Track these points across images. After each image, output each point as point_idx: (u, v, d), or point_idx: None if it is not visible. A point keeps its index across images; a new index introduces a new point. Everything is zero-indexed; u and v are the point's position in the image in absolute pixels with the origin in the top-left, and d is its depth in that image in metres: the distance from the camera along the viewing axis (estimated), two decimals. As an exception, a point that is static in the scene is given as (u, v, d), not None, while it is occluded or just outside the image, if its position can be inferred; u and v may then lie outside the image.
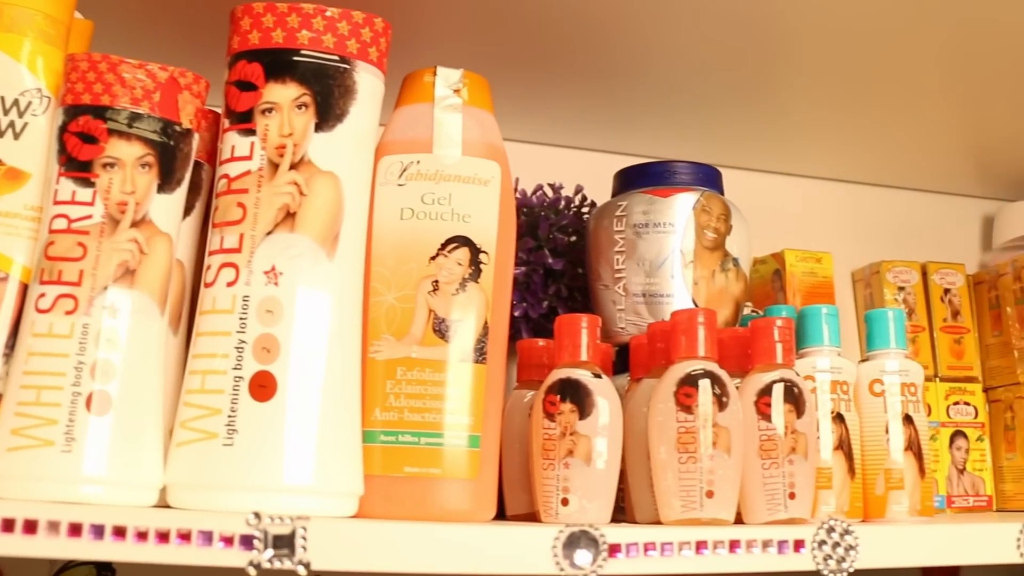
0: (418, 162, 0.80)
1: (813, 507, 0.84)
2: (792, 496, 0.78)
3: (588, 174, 1.14)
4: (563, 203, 1.07)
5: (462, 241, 0.78)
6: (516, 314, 1.03)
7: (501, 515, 0.83)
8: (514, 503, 0.89)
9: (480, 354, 0.77)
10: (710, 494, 0.75)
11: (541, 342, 0.91)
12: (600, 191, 1.05)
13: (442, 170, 0.79)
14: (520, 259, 1.03)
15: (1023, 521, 0.79)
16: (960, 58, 1.06)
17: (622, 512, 0.83)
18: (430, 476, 0.74)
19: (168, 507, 0.68)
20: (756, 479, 0.78)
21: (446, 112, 0.81)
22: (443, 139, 0.80)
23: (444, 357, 0.76)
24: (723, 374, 0.77)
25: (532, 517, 0.82)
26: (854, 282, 1.34)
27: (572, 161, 1.24)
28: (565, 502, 0.76)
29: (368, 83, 0.78)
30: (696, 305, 0.93)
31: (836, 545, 0.71)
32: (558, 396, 0.78)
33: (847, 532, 0.72)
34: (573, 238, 1.06)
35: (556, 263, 1.03)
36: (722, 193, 0.99)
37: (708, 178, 0.97)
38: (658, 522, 0.77)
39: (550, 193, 1.09)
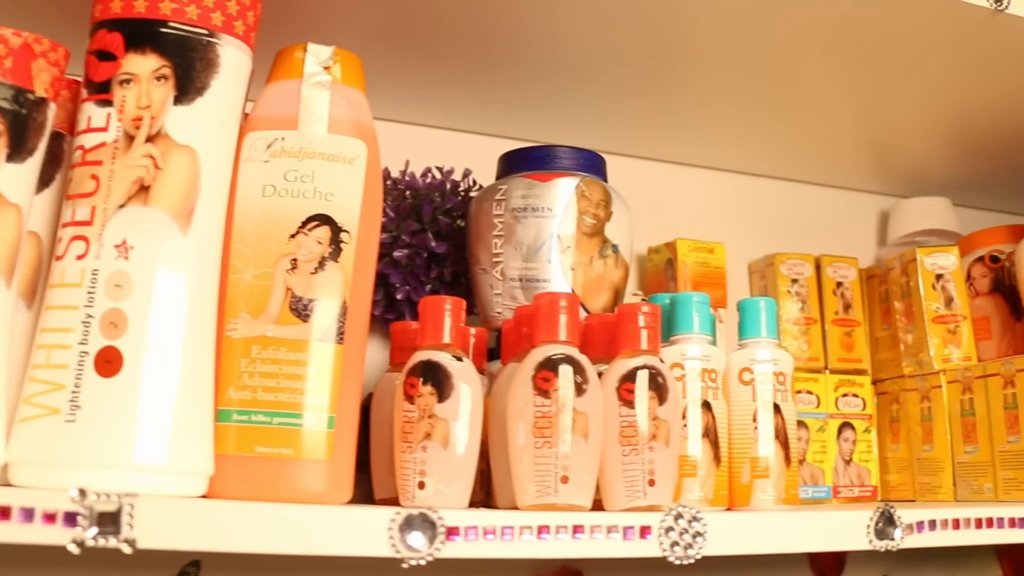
0: (283, 139, 0.78)
1: (676, 495, 0.84)
2: (652, 483, 0.78)
3: (488, 160, 1.13)
4: (449, 186, 1.06)
5: (323, 220, 0.77)
6: (399, 297, 1.02)
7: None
8: (382, 487, 0.88)
9: (338, 334, 0.76)
10: (565, 479, 0.75)
11: (414, 325, 0.90)
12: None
13: (307, 147, 0.78)
14: (403, 242, 1.02)
15: (873, 509, 0.79)
16: (856, 56, 1.06)
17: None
18: (282, 456, 0.73)
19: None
20: (616, 465, 0.78)
21: (314, 89, 0.80)
22: (309, 116, 0.79)
23: (300, 336, 0.75)
24: (583, 359, 0.77)
25: (397, 501, 0.82)
26: (750, 273, 1.34)
27: (473, 147, 1.23)
28: (422, 485, 0.75)
29: (233, 57, 0.76)
30: (573, 291, 0.92)
31: (684, 532, 0.71)
32: (419, 379, 0.77)
33: (695, 519, 0.72)
34: (460, 222, 1.05)
35: (439, 246, 1.02)
36: (605, 179, 0.98)
37: (590, 164, 0.97)
38: (516, 507, 0.77)
39: (439, 176, 1.08)
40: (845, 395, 1.25)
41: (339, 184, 0.78)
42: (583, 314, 0.92)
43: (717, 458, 0.87)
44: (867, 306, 1.31)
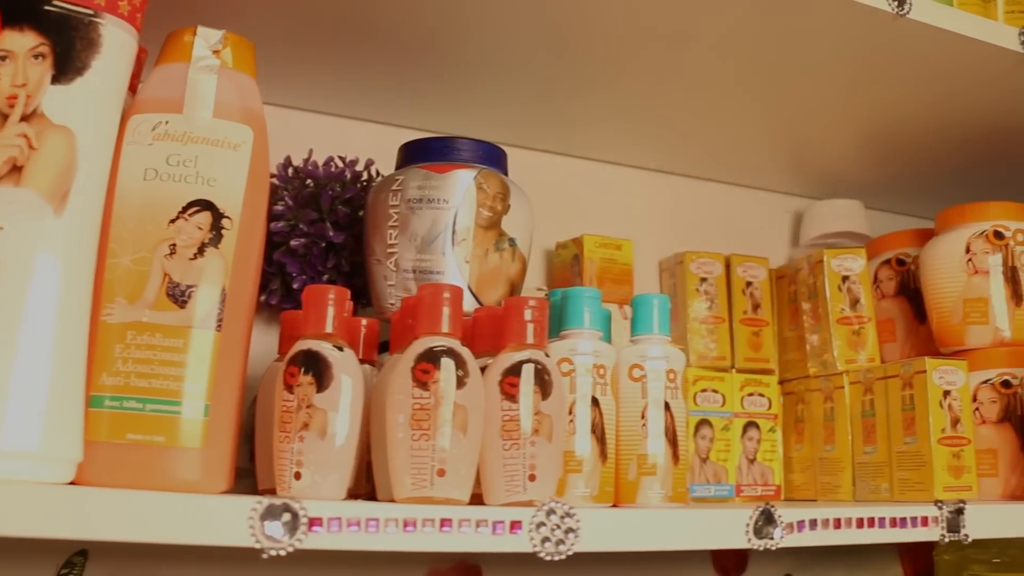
0: (167, 122, 0.77)
1: (560, 490, 0.84)
2: (532, 478, 0.77)
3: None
4: (350, 176, 1.05)
5: (204, 205, 0.76)
6: (296, 287, 1.01)
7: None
8: (265, 477, 0.87)
9: (216, 321, 0.75)
10: (441, 472, 0.74)
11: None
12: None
13: (191, 132, 0.77)
14: (301, 231, 1.01)
15: (754, 508, 0.80)
16: (764, 58, 1.07)
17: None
18: (153, 444, 0.72)
19: None
20: (496, 459, 0.78)
21: (201, 73, 0.79)
22: (195, 100, 0.78)
23: (176, 322, 0.74)
24: (464, 351, 0.77)
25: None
26: (661, 271, 1.34)
27: (383, 137, 1.21)
28: (298, 476, 0.74)
29: (116, 37, 0.75)
30: (467, 284, 0.92)
31: (556, 528, 0.71)
32: (299, 368, 0.76)
33: (568, 515, 0.72)
34: (361, 212, 1.04)
35: (337, 236, 1.01)
36: (505, 172, 0.98)
37: (488, 156, 0.96)
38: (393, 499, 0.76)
39: (341, 165, 1.07)
40: (751, 394, 1.25)
41: (222, 170, 0.77)
42: (474, 306, 0.91)
43: (604, 454, 0.87)
44: (776, 306, 1.32)
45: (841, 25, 1.00)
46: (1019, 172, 1.40)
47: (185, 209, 0.76)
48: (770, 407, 1.26)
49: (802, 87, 1.15)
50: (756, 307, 1.30)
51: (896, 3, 0.96)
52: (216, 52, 0.80)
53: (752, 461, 1.24)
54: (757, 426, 1.25)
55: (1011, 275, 1.14)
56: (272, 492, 0.82)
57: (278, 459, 0.76)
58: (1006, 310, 1.14)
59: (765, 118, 1.24)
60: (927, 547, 1.42)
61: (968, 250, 1.16)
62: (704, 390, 1.22)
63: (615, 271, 1.21)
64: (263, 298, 1.04)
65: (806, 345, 1.26)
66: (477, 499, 0.77)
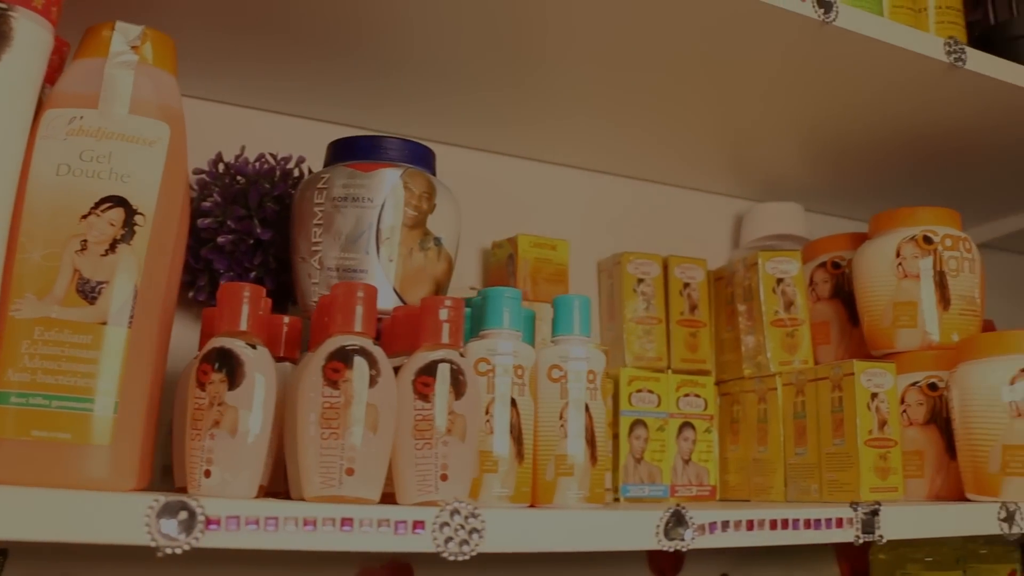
0: (81, 117, 0.77)
1: (475, 490, 0.84)
2: (444, 478, 0.77)
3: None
4: (279, 173, 1.05)
5: (117, 201, 0.76)
6: (223, 283, 1.01)
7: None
8: (180, 475, 0.87)
9: (127, 318, 0.74)
10: (350, 471, 0.74)
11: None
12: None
13: (106, 127, 0.77)
14: (229, 228, 1.01)
15: (664, 509, 0.80)
16: (702, 61, 1.08)
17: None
18: (59, 441, 0.72)
19: None
20: (408, 459, 0.78)
21: (118, 68, 0.79)
22: (110, 96, 0.78)
23: (85, 319, 0.73)
24: (376, 350, 0.77)
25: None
26: (599, 272, 1.35)
27: (319, 135, 1.20)
28: (208, 474, 0.74)
29: (29, 31, 0.75)
30: (391, 283, 0.92)
31: (460, 528, 0.71)
32: (211, 365, 0.76)
33: (473, 515, 0.72)
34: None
35: (265, 233, 1.01)
36: (432, 172, 0.98)
37: (415, 155, 0.96)
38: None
39: (272, 162, 1.07)
40: (687, 395, 1.26)
41: (137, 166, 0.77)
42: (396, 305, 0.91)
43: (520, 455, 0.87)
44: (714, 308, 1.33)
45: (772, 31, 1.00)
46: (950, 178, 1.41)
47: (97, 205, 0.75)
48: (706, 408, 1.27)
49: (741, 89, 1.16)
50: (693, 308, 1.30)
51: (823, 10, 0.97)
52: (135, 48, 0.80)
53: (687, 462, 1.25)
54: (693, 427, 1.26)
55: (939, 279, 1.15)
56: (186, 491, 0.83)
57: (189, 457, 0.75)
58: (934, 314, 1.15)
59: (705, 120, 1.25)
60: (864, 547, 1.43)
61: (899, 254, 1.17)
62: (639, 390, 1.22)
63: (549, 271, 1.21)
64: (191, 295, 1.04)
65: (742, 346, 1.26)
66: (393, 499, 0.77)
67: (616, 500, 1.18)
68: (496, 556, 1.17)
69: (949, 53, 1.05)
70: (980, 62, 1.06)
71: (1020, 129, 1.23)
